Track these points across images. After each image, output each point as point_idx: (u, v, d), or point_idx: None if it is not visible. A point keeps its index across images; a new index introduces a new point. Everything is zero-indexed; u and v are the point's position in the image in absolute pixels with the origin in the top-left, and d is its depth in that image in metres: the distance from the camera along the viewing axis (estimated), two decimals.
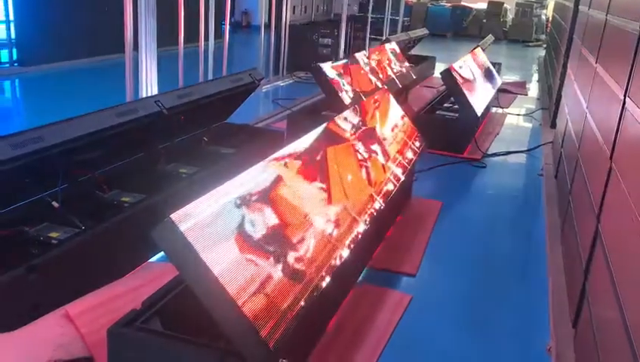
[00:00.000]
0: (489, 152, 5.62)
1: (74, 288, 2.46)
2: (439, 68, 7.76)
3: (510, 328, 2.78)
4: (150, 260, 2.98)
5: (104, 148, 3.05)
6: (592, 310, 2.26)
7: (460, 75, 5.89)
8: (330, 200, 2.59)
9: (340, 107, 4.47)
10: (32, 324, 2.27)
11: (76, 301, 2.42)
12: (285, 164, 2.42)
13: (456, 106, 6.07)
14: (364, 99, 3.90)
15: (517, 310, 2.94)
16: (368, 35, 10.80)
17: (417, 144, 4.07)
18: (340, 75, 5.32)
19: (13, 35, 7.80)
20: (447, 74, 5.75)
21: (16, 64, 7.87)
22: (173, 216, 1.72)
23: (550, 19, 15.01)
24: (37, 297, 2.33)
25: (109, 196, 3.17)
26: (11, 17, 7.74)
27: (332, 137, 2.95)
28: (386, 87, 4.77)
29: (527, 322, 2.84)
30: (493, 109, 7.26)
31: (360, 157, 3.13)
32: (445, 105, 6.48)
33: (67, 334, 2.25)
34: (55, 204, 2.81)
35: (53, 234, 2.71)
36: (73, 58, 8.37)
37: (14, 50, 7.86)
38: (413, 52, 9.74)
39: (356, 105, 3.50)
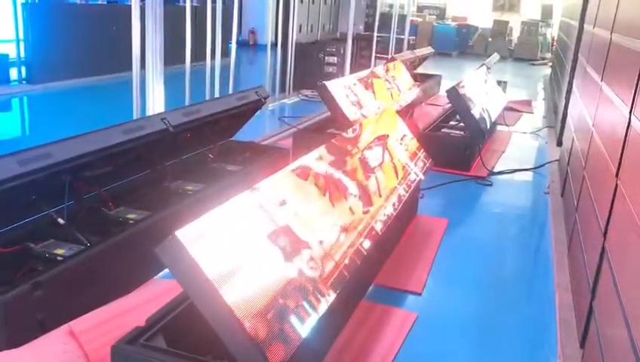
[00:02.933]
0: (495, 170, 5.61)
1: (79, 305, 2.46)
2: (445, 86, 7.77)
3: (517, 348, 2.75)
4: (155, 277, 2.98)
5: (110, 165, 3.06)
6: (600, 329, 2.24)
7: (465, 93, 5.91)
8: (336, 217, 2.58)
9: (346, 125, 4.49)
10: (37, 341, 2.27)
11: (80, 318, 2.42)
12: (290, 181, 2.42)
13: (462, 124, 6.07)
14: (369, 116, 3.92)
15: (523, 329, 2.91)
16: (374, 54, 10.86)
17: (423, 161, 4.07)
18: (346, 92, 5.34)
19: (22, 54, 7.90)
20: (453, 92, 5.77)
21: (24, 82, 7.96)
22: (179, 233, 1.72)
23: (556, 37, 15.07)
24: (42, 314, 2.33)
25: (115, 213, 3.18)
26: (21, 36, 7.85)
27: (336, 154, 2.95)
28: (391, 104, 4.78)
29: (534, 341, 2.80)
30: (499, 127, 7.26)
31: (364, 173, 3.13)
32: (451, 123, 6.49)
33: (71, 351, 2.25)
34: (61, 221, 2.82)
35: (59, 251, 2.71)
36: (81, 76, 8.47)
37: (23, 69, 7.96)
38: (418, 70, 9.78)
39: (359, 123, 3.51)
